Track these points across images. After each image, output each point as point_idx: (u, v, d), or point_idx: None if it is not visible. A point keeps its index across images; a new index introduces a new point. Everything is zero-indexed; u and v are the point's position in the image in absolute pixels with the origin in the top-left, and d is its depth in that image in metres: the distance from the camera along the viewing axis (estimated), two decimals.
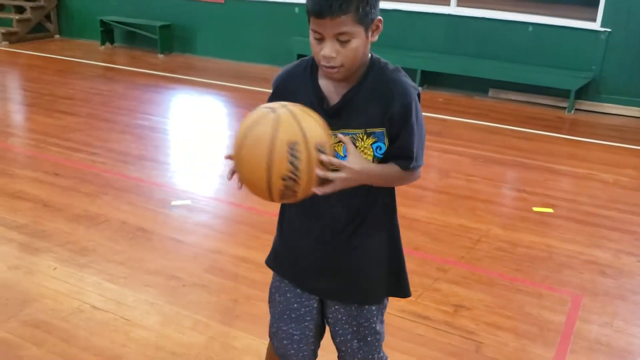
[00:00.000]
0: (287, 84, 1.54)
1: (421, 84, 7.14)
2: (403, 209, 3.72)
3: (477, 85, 7.03)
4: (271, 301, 1.77)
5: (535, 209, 3.94)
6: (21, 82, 7.56)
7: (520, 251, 3.37)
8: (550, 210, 3.92)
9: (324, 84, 1.50)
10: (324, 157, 1.33)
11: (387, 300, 1.75)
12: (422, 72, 7.09)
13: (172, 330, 2.61)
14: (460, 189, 4.26)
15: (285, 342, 1.74)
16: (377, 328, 1.71)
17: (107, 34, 9.49)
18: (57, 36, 10.17)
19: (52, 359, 2.40)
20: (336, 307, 1.69)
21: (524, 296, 2.93)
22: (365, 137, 1.47)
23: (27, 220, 3.57)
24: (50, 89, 6.83)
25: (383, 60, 1.51)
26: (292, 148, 1.29)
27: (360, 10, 1.35)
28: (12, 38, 9.50)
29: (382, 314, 1.74)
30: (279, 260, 1.73)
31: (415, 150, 1.49)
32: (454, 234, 3.55)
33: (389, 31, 7.41)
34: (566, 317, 2.76)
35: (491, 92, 7.01)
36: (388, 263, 1.67)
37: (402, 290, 1.72)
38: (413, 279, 2.98)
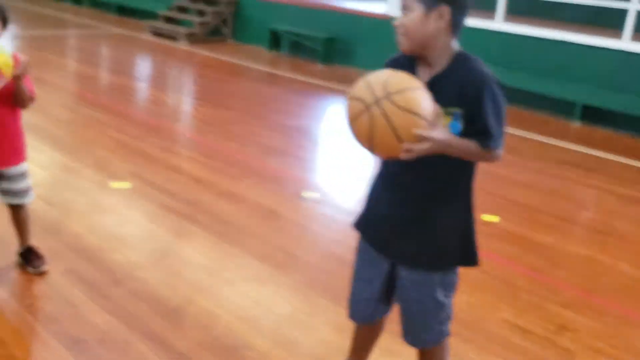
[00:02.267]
0: (394, 67, 1.86)
1: (581, 118, 6.98)
2: (530, 233, 3.85)
3: None
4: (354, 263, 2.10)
5: None
6: (194, 77, 8.59)
7: None
8: None
9: (420, 70, 1.83)
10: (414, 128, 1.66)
11: (457, 277, 1.97)
12: (583, 105, 6.95)
13: (272, 291, 2.99)
14: (596, 222, 4.22)
15: (354, 297, 2.05)
16: (439, 298, 1.94)
17: (274, 41, 10.40)
18: (230, 40, 11.32)
19: (162, 288, 2.88)
20: (404, 272, 1.95)
21: (637, 330, 2.91)
22: (444, 115, 1.74)
23: (178, 189, 4.20)
24: (217, 86, 7.72)
25: (467, 53, 1.80)
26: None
27: None
28: (191, 38, 10.77)
29: (449, 289, 1.96)
30: (364, 224, 2.06)
31: (491, 130, 1.72)
32: (576, 263, 3.57)
33: (553, 61, 7.39)
34: None
35: None
36: (460, 234, 1.90)
37: (470, 259, 1.93)
38: (521, 295, 3.13)
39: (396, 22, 1.78)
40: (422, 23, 1.73)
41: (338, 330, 2.72)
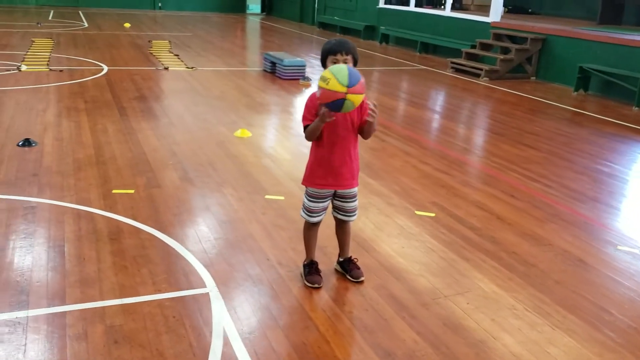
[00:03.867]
0: None
1: None
2: None
3: None
4: None
5: None
6: (492, 113, 8.61)
7: None
8: None
9: None
10: None
11: None
12: None
13: (583, 346, 2.82)
14: None
15: None
16: None
17: (583, 80, 9.88)
18: (533, 78, 11.09)
19: (467, 319, 2.92)
20: None
21: None
22: None
23: (481, 225, 4.25)
24: (518, 124, 7.63)
25: None
26: None
27: None
28: (492, 75, 10.83)
29: None
30: None
31: None
32: None
33: None
34: None
35: None
36: None
37: None
38: None
39: None
40: None
41: None
